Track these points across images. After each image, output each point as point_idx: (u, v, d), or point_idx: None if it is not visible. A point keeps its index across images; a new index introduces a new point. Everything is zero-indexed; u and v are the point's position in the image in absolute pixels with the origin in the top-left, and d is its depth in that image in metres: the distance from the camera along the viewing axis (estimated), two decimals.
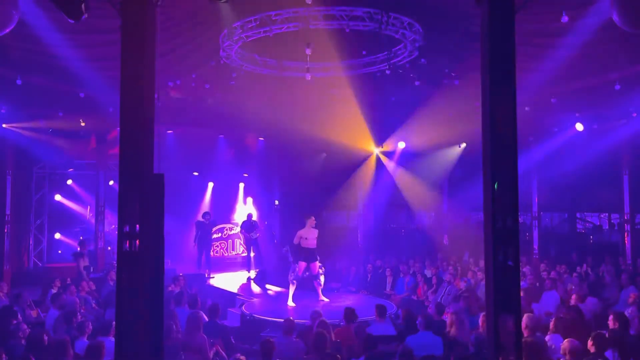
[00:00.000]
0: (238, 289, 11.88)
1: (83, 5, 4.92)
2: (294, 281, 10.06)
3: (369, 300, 10.09)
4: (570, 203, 15.81)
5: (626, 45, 8.87)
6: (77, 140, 13.56)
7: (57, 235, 15.01)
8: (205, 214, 13.68)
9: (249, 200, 17.24)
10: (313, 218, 10.26)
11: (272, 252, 16.15)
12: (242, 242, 15.55)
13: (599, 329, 6.18)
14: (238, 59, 10.10)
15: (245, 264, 14.00)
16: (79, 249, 12.24)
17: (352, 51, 10.51)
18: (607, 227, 17.34)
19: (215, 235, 15.74)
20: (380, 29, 8.70)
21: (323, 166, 16.66)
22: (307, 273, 10.13)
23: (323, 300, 10.04)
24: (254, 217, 14.75)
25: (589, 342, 5.02)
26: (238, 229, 15.39)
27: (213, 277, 12.74)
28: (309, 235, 10.03)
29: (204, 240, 13.33)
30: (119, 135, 4.29)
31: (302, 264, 10.00)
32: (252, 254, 14.02)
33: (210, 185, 16.60)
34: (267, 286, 12.18)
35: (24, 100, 10.77)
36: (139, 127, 4.26)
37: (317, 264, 10.10)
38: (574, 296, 8.22)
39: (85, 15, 5.02)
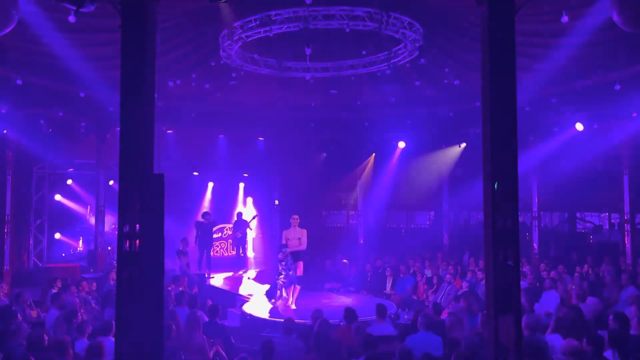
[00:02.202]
0: (238, 289, 11.89)
1: None
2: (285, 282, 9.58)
3: (369, 300, 10.08)
4: (570, 203, 15.80)
5: (626, 45, 8.88)
6: (77, 140, 13.57)
7: (57, 235, 15.01)
8: (204, 214, 13.69)
9: (249, 200, 17.25)
10: (295, 217, 9.88)
11: (272, 252, 16.15)
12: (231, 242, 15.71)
13: (599, 329, 6.19)
14: (238, 59, 10.11)
15: (240, 264, 14.03)
16: (181, 247, 12.44)
17: (352, 51, 10.53)
18: (607, 227, 17.33)
19: (215, 235, 15.75)
20: (380, 29, 8.70)
21: (323, 166, 16.67)
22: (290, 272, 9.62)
23: (291, 307, 9.43)
24: (245, 216, 14.79)
25: (585, 343, 5.02)
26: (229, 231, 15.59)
27: (213, 277, 12.74)
28: (290, 235, 9.71)
29: (205, 241, 13.33)
30: (119, 135, 4.29)
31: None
32: (241, 254, 14.09)
33: (210, 185, 16.63)
34: (268, 286, 12.18)
35: (24, 100, 10.77)
36: (139, 127, 4.26)
37: (300, 264, 9.64)
38: (574, 296, 8.22)
39: (88, 10, 4.99)
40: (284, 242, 9.74)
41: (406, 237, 18.12)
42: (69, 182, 15.07)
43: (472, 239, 14.47)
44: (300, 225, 9.91)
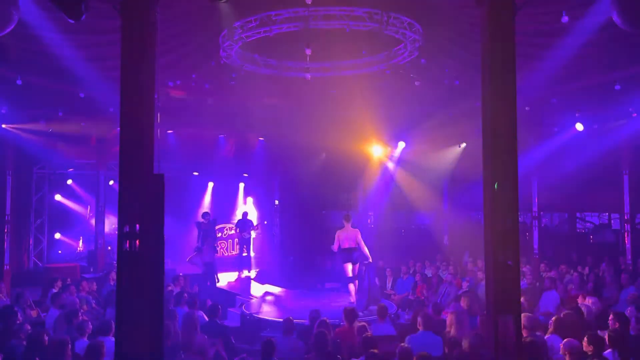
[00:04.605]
0: (238, 289, 11.89)
1: (83, 5, 4.92)
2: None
3: None
4: (570, 203, 15.79)
5: (626, 45, 8.88)
6: (77, 140, 13.56)
7: (57, 235, 15.01)
8: (204, 214, 13.68)
9: (249, 200, 17.24)
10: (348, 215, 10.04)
11: (272, 252, 16.15)
12: (237, 241, 15.65)
13: (599, 329, 6.19)
14: (238, 59, 10.10)
15: (242, 264, 14.00)
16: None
17: (352, 51, 10.52)
18: (607, 227, 17.32)
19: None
20: (380, 29, 8.70)
21: (323, 166, 16.65)
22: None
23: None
24: (250, 216, 14.77)
25: (584, 343, 5.02)
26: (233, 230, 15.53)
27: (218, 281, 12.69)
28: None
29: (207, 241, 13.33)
30: (119, 135, 4.29)
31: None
32: (244, 254, 14.04)
33: (210, 185, 16.63)
34: (267, 286, 12.18)
35: (24, 100, 10.77)
36: (139, 127, 4.26)
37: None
38: (574, 296, 8.23)
39: (85, 16, 5.02)
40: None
41: (406, 237, 18.10)
42: (69, 182, 15.07)
43: (472, 239, 14.45)
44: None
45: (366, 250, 9.82)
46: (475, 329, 6.53)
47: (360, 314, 8.61)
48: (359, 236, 9.85)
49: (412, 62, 10.22)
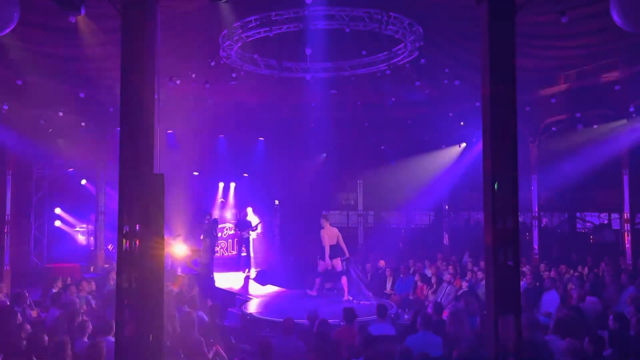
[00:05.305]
0: (238, 289, 11.89)
1: (83, 4, 4.92)
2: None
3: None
4: (570, 203, 15.79)
5: (626, 45, 8.89)
6: (77, 140, 13.56)
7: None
8: (205, 214, 13.67)
9: (249, 210, 17.17)
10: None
11: (272, 252, 16.14)
12: (236, 241, 15.63)
13: (599, 329, 6.19)
14: (238, 59, 10.11)
15: (241, 264, 13.99)
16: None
17: (352, 51, 10.53)
18: (607, 227, 17.32)
19: None
20: (380, 29, 8.71)
21: (323, 166, 16.66)
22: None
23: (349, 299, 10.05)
24: (250, 217, 14.75)
25: (585, 343, 5.02)
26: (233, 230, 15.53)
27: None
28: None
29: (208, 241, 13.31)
30: (119, 135, 4.29)
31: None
32: (243, 253, 14.03)
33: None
34: (267, 286, 12.18)
35: (24, 100, 10.77)
36: (139, 127, 4.26)
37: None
38: (574, 296, 8.22)
39: (85, 15, 5.02)
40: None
41: (406, 237, 18.11)
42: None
43: (472, 239, 14.45)
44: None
45: (344, 246, 10.51)
46: (475, 329, 6.53)
47: (368, 302, 9.29)
48: (340, 234, 10.52)
49: (412, 62, 10.23)
